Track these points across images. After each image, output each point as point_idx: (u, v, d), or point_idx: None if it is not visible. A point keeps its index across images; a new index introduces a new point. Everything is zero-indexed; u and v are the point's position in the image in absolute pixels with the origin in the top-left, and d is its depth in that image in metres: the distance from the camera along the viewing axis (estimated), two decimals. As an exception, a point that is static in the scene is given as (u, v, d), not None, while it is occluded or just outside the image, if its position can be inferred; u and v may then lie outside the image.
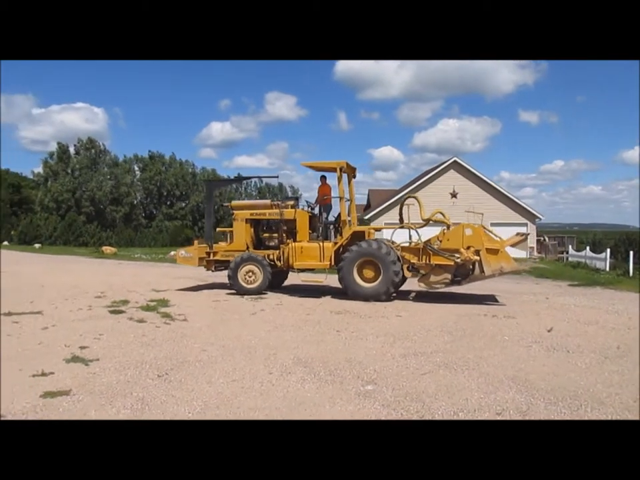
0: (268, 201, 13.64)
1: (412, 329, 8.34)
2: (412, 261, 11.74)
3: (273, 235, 13.18)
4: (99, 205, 55.26)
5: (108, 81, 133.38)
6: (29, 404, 4.72)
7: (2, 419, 4.35)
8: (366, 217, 35.81)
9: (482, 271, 11.15)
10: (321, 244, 12.31)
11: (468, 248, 11.14)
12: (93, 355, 6.51)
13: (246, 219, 13.13)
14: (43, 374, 5.63)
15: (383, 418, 4.51)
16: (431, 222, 12.00)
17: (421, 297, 12.03)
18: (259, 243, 13.36)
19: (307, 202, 14.02)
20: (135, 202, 60.38)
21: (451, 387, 5.35)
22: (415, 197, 12.97)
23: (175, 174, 60.37)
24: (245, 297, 11.90)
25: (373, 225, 29.05)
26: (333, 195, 13.23)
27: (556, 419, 4.49)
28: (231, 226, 13.58)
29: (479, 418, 4.49)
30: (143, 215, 61.06)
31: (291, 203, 13.17)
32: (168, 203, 61.39)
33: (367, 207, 48.68)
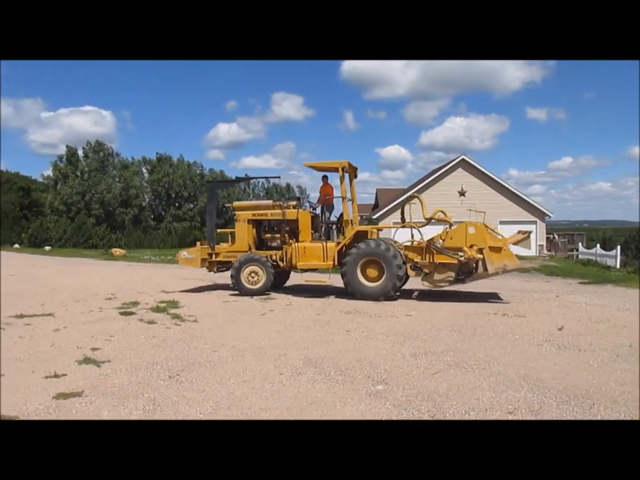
0: (270, 202, 13.65)
1: (422, 328, 8.33)
2: (415, 260, 11.77)
3: (275, 236, 13.16)
4: (108, 207, 55.52)
5: (116, 84, 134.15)
6: (42, 405, 4.76)
7: (15, 419, 4.39)
8: (374, 217, 35.77)
9: (485, 269, 11.18)
10: (324, 244, 12.31)
11: (471, 246, 11.17)
12: (104, 356, 6.55)
13: (248, 220, 13.12)
14: (56, 375, 5.68)
15: (394, 418, 4.50)
16: (433, 221, 12.05)
17: (428, 295, 12.00)
18: (261, 244, 13.34)
19: (309, 202, 14.03)
20: (144, 204, 60.61)
21: (462, 386, 5.34)
22: (416, 197, 13.01)
23: (183, 175, 60.52)
24: (255, 297, 11.92)
25: (381, 224, 29.02)
26: (334, 194, 13.27)
27: (568, 418, 4.47)
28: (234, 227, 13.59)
29: (491, 417, 4.48)
30: (152, 216, 61.27)
31: (293, 203, 13.16)
32: (176, 204, 61.56)
33: (375, 207, 48.65)
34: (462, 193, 32.88)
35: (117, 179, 57.07)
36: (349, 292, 11.75)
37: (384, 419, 4.48)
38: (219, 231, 14.42)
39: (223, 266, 13.54)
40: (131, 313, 9.62)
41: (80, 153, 57.66)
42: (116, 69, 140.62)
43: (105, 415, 4.55)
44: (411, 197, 13.27)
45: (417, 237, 12.14)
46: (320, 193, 13.72)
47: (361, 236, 12.18)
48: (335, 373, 5.84)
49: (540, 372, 5.82)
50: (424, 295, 12.08)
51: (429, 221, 12.09)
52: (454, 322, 8.77)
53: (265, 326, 8.64)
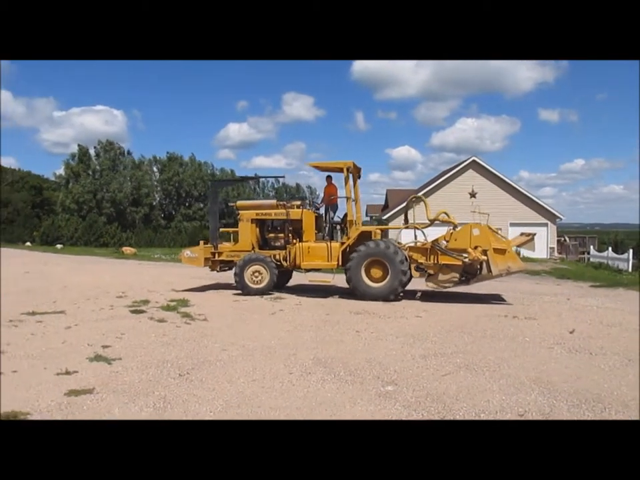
0: (274, 201, 13.64)
1: (432, 329, 8.31)
2: (420, 261, 11.81)
3: (279, 235, 13.15)
4: (119, 206, 55.84)
5: (127, 83, 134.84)
6: (54, 402, 4.80)
7: (26, 418, 4.43)
8: (384, 217, 35.73)
9: (489, 270, 11.22)
10: (329, 244, 12.30)
11: (475, 248, 11.19)
12: (115, 354, 6.59)
13: (251, 219, 13.09)
14: (67, 372, 5.72)
15: (404, 418, 4.50)
16: (437, 222, 12.09)
17: (437, 296, 11.96)
18: (264, 243, 13.32)
19: (313, 202, 14.02)
20: (154, 203, 60.89)
21: (472, 388, 5.32)
22: (420, 198, 13.04)
23: (192, 175, 60.72)
24: (264, 297, 11.94)
25: (391, 225, 28.97)
26: (338, 195, 13.28)
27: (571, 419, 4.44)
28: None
29: (501, 419, 4.46)
30: (162, 215, 61.53)
31: (297, 203, 13.16)
32: (186, 203, 61.79)
33: (385, 207, 48.59)
34: (472, 195, 32.72)
35: (129, 178, 57.39)
36: (353, 292, 11.75)
37: (394, 419, 4.48)
38: (221, 230, 14.41)
39: (226, 265, 13.55)
40: (142, 311, 9.67)
41: (91, 152, 58.09)
42: (127, 68, 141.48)
43: (116, 412, 4.58)
44: (415, 198, 13.31)
45: (421, 238, 12.18)
46: (324, 193, 13.74)
47: (365, 236, 12.18)
48: (345, 373, 5.84)
49: (551, 375, 5.79)
50: (429, 296, 12.05)
51: (432, 222, 12.14)
52: (464, 324, 8.74)
53: (275, 325, 8.65)
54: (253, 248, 12.99)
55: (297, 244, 12.45)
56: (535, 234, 12.38)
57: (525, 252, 28.62)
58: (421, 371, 5.96)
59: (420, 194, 32.88)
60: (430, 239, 11.97)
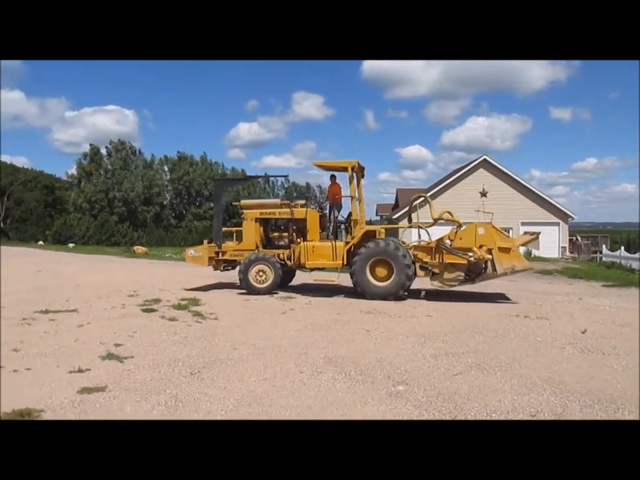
0: (277, 200, 13.63)
1: (442, 329, 8.28)
2: (425, 260, 11.84)
3: (283, 234, 13.13)
4: (131, 206, 56.19)
5: (138, 83, 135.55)
6: (67, 399, 4.84)
7: (40, 415, 4.47)
8: (394, 217, 35.66)
9: (494, 269, 11.25)
10: (334, 243, 12.31)
11: (480, 247, 11.23)
12: (127, 352, 6.63)
13: (255, 218, 13.09)
14: (80, 370, 5.76)
15: (415, 418, 4.49)
16: (441, 221, 12.16)
17: (444, 296, 11.93)
18: (268, 242, 13.30)
19: (317, 201, 14.03)
20: (165, 202, 61.22)
21: (484, 388, 5.30)
22: (424, 197, 13.04)
23: (203, 174, 60.97)
24: (274, 296, 11.96)
25: (402, 224, 28.91)
26: (342, 194, 13.31)
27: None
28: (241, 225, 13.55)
29: (513, 419, 4.44)
30: (173, 215, 61.86)
31: (301, 202, 13.16)
32: (197, 203, 62.07)
33: (395, 207, 48.51)
34: (483, 194, 32.56)
35: (140, 177, 57.73)
36: (358, 291, 11.76)
37: (405, 419, 4.47)
38: (224, 229, 14.39)
39: (229, 264, 13.56)
40: (153, 310, 9.72)
41: (103, 151, 58.54)
42: (138, 68, 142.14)
43: (128, 410, 4.61)
44: (420, 197, 13.34)
45: (425, 237, 12.22)
46: (328, 192, 13.73)
47: (369, 235, 12.19)
48: (356, 373, 5.84)
49: (563, 375, 5.75)
50: (440, 296, 12.01)
51: (435, 221, 12.19)
52: (475, 323, 8.71)
53: (285, 325, 8.67)
54: (257, 247, 12.99)
55: (302, 243, 12.46)
56: (539, 233, 12.40)
57: (537, 251, 28.55)
58: (432, 371, 5.95)
59: (430, 193, 32.84)
60: (434, 238, 12.01)
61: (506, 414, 4.57)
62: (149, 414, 4.53)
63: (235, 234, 14.59)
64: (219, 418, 4.45)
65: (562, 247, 32.66)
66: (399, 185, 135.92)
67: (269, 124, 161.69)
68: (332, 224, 13.01)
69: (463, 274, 11.63)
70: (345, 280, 12.58)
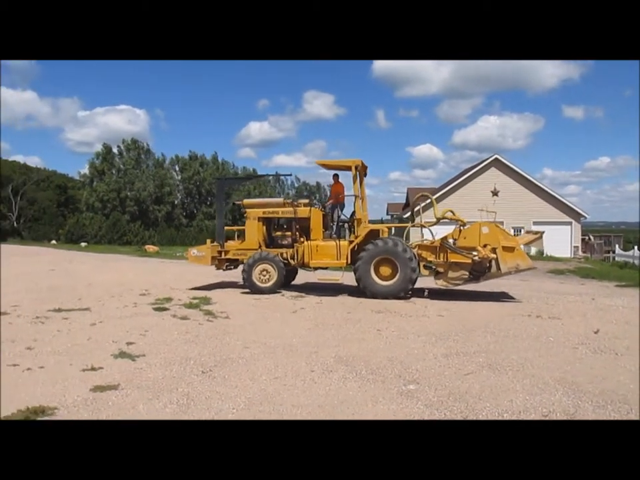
0: (281, 199, 13.61)
1: (454, 328, 8.26)
2: (429, 259, 11.89)
3: (286, 234, 13.16)
4: (143, 205, 56.53)
5: (149, 83, 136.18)
6: (80, 397, 4.89)
7: (53, 413, 4.52)
8: (405, 216, 35.55)
9: (498, 268, 11.27)
10: (338, 242, 12.30)
11: (485, 246, 11.24)
12: (139, 350, 6.68)
13: (258, 217, 13.07)
14: (93, 368, 5.82)
15: (426, 418, 4.49)
16: (444, 220, 12.21)
17: (462, 296, 11.90)
18: (271, 242, 13.31)
19: (320, 201, 14.01)
20: (176, 202, 61.52)
21: (495, 388, 5.28)
22: (428, 196, 13.05)
23: (213, 174, 61.20)
24: (285, 295, 11.98)
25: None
26: (345, 193, 13.33)
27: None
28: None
29: (525, 419, 4.42)
30: (184, 214, 62.14)
31: (305, 201, 13.15)
32: (207, 202, 62.31)
33: (406, 206, 48.35)
34: (495, 193, 32.44)
35: (151, 177, 58.05)
36: (362, 290, 11.76)
37: (416, 418, 4.47)
38: (227, 228, 14.37)
39: (232, 264, 13.58)
40: (165, 309, 9.78)
41: (115, 150, 58.94)
42: (150, 68, 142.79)
43: (141, 408, 4.64)
44: (423, 197, 13.34)
45: (421, 236, 12.28)
46: (331, 191, 13.73)
47: (373, 235, 12.19)
48: (366, 372, 5.84)
49: (575, 375, 5.71)
50: (439, 294, 11.98)
51: (438, 220, 12.22)
52: (486, 323, 8.67)
53: (296, 323, 8.69)
54: (260, 246, 12.99)
55: (305, 242, 12.45)
56: (543, 232, 12.42)
57: (549, 251, 28.40)
58: (443, 370, 5.93)
59: (441, 192, 32.72)
60: (436, 238, 12.05)
61: (518, 414, 4.56)
62: (161, 412, 4.56)
63: (236, 233, 14.61)
64: (230, 416, 4.48)
65: (574, 247, 32.44)
66: (410, 184, 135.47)
67: (279, 123, 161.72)
68: (335, 223, 13.01)
69: (467, 273, 11.69)
70: (348, 279, 12.56)
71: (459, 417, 4.50)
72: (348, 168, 12.67)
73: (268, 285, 12.34)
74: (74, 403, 4.72)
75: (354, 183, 12.50)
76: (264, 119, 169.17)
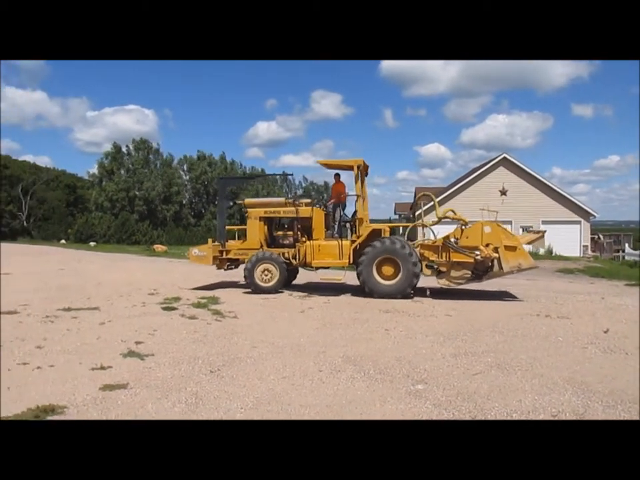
0: (282, 199, 13.57)
1: (462, 328, 8.23)
2: (431, 259, 11.92)
3: (287, 233, 13.16)
4: (151, 204, 56.76)
5: (157, 83, 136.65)
6: (89, 396, 4.91)
7: (63, 412, 4.54)
8: (412, 216, 35.46)
9: (500, 267, 11.29)
10: (340, 242, 12.30)
11: (487, 245, 11.27)
12: (147, 350, 6.70)
13: (260, 217, 13.06)
14: (102, 367, 5.85)
15: (435, 418, 4.48)
16: (445, 220, 12.27)
17: (470, 295, 11.86)
18: (272, 241, 13.30)
19: (321, 200, 14.02)
20: (184, 201, 61.73)
21: (504, 387, 5.26)
22: (429, 195, 13.05)
23: (221, 173, 61.36)
24: (293, 295, 11.99)
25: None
26: (347, 192, 13.35)
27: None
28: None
29: (534, 419, 4.40)
30: (192, 213, 62.35)
31: (306, 201, 13.14)
32: (215, 202, 62.45)
33: (413, 206, 48.22)
34: (503, 192, 32.30)
35: (160, 176, 58.29)
36: (364, 290, 11.75)
37: (424, 418, 4.46)
38: (227, 227, 14.41)
39: (232, 264, 13.58)
40: (173, 308, 9.82)
41: (124, 150, 59.22)
42: (158, 68, 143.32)
43: (149, 407, 4.66)
44: (424, 196, 13.32)
45: (422, 236, 12.28)
46: (332, 190, 13.73)
47: (375, 234, 12.18)
48: (375, 372, 5.83)
49: (585, 375, 5.68)
50: (441, 294, 11.95)
51: (439, 220, 12.26)
52: (495, 322, 8.64)
53: (304, 323, 8.69)
54: (261, 246, 12.97)
55: (308, 242, 12.43)
56: (544, 231, 12.42)
57: (558, 250, 28.23)
58: (452, 370, 5.92)
59: (449, 192, 32.61)
60: (438, 237, 12.06)
61: (527, 414, 4.54)
62: (169, 411, 4.58)
63: (236, 232, 14.62)
64: (238, 416, 4.49)
65: (583, 246, 32.22)
66: (418, 183, 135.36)
67: (287, 123, 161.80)
68: (337, 222, 13.00)
69: (469, 272, 11.71)
70: (351, 278, 12.55)
71: (467, 417, 4.48)
72: (349, 167, 12.67)
73: (270, 284, 12.34)
74: (83, 402, 4.75)
75: (356, 182, 12.49)
76: (272, 118, 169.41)
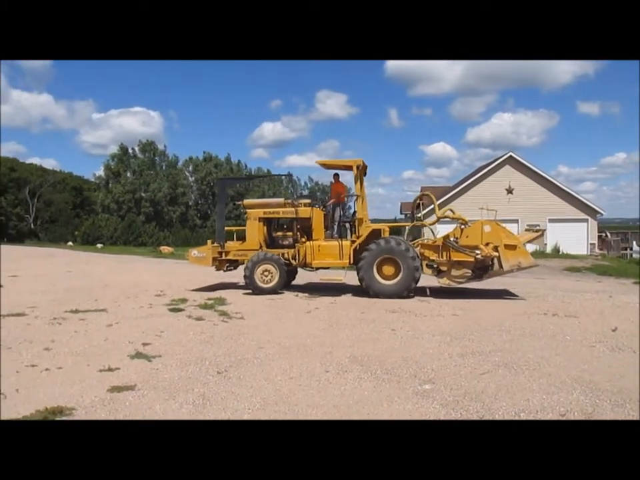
0: (281, 200, 13.53)
1: (469, 327, 8.21)
2: (432, 258, 11.95)
3: (287, 234, 13.14)
4: (157, 206, 56.94)
5: (162, 84, 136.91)
6: (97, 397, 4.93)
7: (71, 413, 4.56)
8: (418, 215, 35.39)
9: (500, 266, 11.32)
10: (340, 242, 12.28)
11: (487, 244, 11.31)
12: (155, 351, 6.72)
13: (259, 218, 13.01)
14: (110, 369, 5.87)
15: (442, 417, 4.47)
16: (445, 219, 12.40)
17: (477, 294, 11.83)
18: (271, 242, 13.27)
19: (321, 201, 14.01)
20: (190, 203, 61.89)
21: (512, 387, 5.24)
22: (428, 195, 13.07)
23: (226, 174, 61.48)
24: (299, 295, 11.98)
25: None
26: (346, 192, 13.39)
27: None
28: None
29: (542, 419, 4.38)
30: (198, 215, 62.50)
31: (306, 201, 13.10)
32: (221, 203, 62.64)
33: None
34: (509, 191, 32.19)
35: (165, 178, 58.46)
36: (365, 290, 11.74)
37: (432, 418, 4.45)
38: (226, 228, 14.41)
39: (232, 265, 13.56)
40: (180, 310, 9.84)
41: (130, 152, 59.41)
42: (163, 70, 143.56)
43: (157, 408, 4.68)
44: (424, 195, 13.34)
45: (421, 235, 12.30)
46: (331, 191, 13.71)
47: (375, 234, 12.16)
48: (381, 372, 5.83)
49: (593, 374, 5.66)
50: (443, 293, 11.92)
51: (439, 219, 12.34)
52: (502, 322, 8.61)
53: (310, 324, 8.69)
54: (261, 247, 12.94)
55: (307, 242, 12.41)
56: (544, 230, 12.43)
57: (565, 249, 28.13)
58: (459, 370, 5.90)
59: (455, 191, 32.52)
60: (437, 237, 12.12)
61: (535, 413, 4.52)
62: (177, 412, 4.59)
63: (235, 233, 14.61)
64: (245, 416, 4.49)
65: (591, 244, 32.07)
66: (424, 182, 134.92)
67: (292, 123, 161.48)
68: (337, 223, 12.97)
69: (469, 271, 11.72)
70: (351, 278, 12.52)
71: (475, 417, 4.47)
72: (349, 168, 12.67)
73: (270, 285, 12.31)
74: (91, 404, 4.77)
75: (355, 182, 12.47)
76: (277, 119, 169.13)
